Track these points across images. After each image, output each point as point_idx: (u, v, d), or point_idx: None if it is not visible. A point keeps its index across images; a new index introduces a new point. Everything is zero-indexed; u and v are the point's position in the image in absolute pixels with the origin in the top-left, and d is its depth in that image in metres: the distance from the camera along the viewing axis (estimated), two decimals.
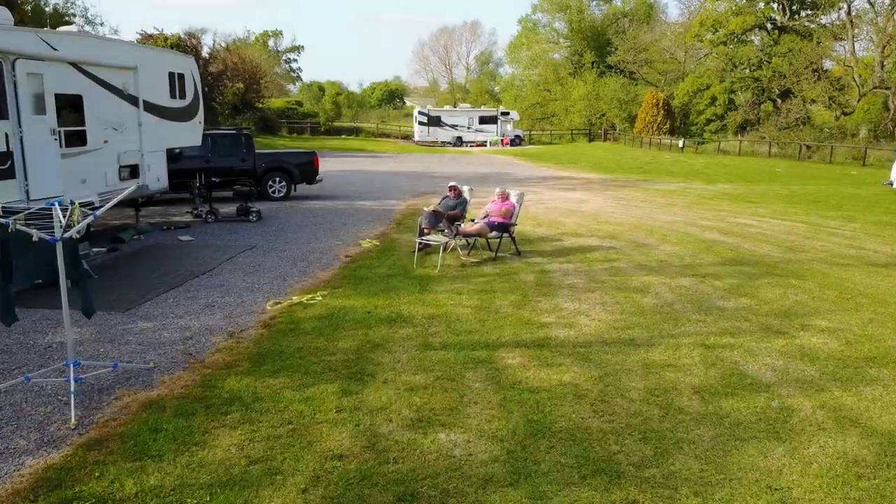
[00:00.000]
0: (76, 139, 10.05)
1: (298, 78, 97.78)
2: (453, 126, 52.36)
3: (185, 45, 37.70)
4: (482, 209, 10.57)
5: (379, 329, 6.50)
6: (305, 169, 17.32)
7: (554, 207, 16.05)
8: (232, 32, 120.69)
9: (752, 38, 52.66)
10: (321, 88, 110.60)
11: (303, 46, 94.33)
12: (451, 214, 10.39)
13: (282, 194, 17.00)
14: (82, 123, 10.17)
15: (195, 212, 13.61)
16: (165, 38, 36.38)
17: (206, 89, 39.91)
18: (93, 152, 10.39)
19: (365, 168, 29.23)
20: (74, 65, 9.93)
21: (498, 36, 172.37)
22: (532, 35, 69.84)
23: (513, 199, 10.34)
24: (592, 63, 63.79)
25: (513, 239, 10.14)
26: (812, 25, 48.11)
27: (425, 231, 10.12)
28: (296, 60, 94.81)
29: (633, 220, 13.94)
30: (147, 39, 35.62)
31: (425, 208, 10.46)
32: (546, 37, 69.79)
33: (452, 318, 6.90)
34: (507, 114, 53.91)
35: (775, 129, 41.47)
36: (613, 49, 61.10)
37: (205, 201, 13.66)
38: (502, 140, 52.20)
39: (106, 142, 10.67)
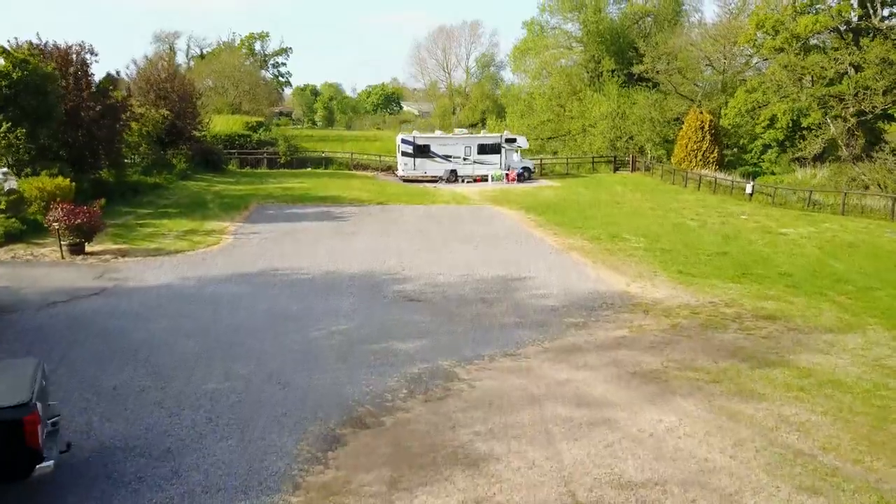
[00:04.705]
0: None
1: (287, 83, 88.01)
2: (446, 157, 41.23)
3: (64, 58, 26.58)
4: None
5: None
6: None
7: None
8: (217, 37, 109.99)
9: (817, 43, 41.86)
10: (314, 92, 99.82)
11: (291, 48, 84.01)
12: None
13: None
14: None
15: None
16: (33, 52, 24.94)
17: (101, 128, 28.14)
18: None
19: (285, 267, 18.11)
20: None
21: (500, 37, 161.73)
22: (539, 40, 58.71)
23: None
24: (612, 71, 52.86)
25: None
26: None
27: None
28: (284, 64, 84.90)
29: None
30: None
31: None
32: (556, 41, 58.69)
33: None
34: (513, 140, 42.54)
35: (883, 169, 30.38)
36: (638, 56, 50.08)
37: None
38: (507, 174, 41.18)
39: None
